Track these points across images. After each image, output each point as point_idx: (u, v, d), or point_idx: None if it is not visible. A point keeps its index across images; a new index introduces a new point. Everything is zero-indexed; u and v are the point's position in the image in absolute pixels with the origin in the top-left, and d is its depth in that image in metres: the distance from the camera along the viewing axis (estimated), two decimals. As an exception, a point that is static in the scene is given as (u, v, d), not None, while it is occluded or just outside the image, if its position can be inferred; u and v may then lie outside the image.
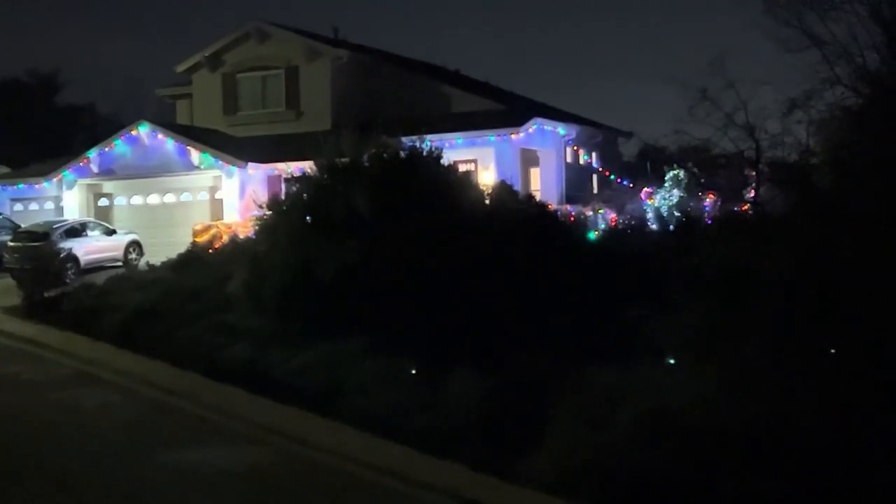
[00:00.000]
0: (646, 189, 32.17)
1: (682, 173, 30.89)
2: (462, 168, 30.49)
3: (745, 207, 27.93)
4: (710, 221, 27.30)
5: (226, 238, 31.26)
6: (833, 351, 15.87)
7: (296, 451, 16.34)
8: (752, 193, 28.47)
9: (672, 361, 17.51)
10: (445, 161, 25.52)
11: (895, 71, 23.09)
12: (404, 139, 25.38)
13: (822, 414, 14.51)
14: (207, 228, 33.43)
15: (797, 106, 25.84)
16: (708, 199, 30.13)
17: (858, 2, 24.16)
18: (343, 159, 24.44)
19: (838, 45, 24.94)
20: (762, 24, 26.75)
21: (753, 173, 28.81)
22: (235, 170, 36.81)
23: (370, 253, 21.70)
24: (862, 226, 17.06)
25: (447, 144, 30.26)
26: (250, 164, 36.96)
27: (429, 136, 26.33)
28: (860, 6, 24.21)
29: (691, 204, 29.77)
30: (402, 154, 24.60)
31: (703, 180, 30.75)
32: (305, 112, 39.65)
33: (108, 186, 40.37)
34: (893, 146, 19.07)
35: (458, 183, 25.26)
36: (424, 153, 24.86)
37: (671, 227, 27.69)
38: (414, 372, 18.71)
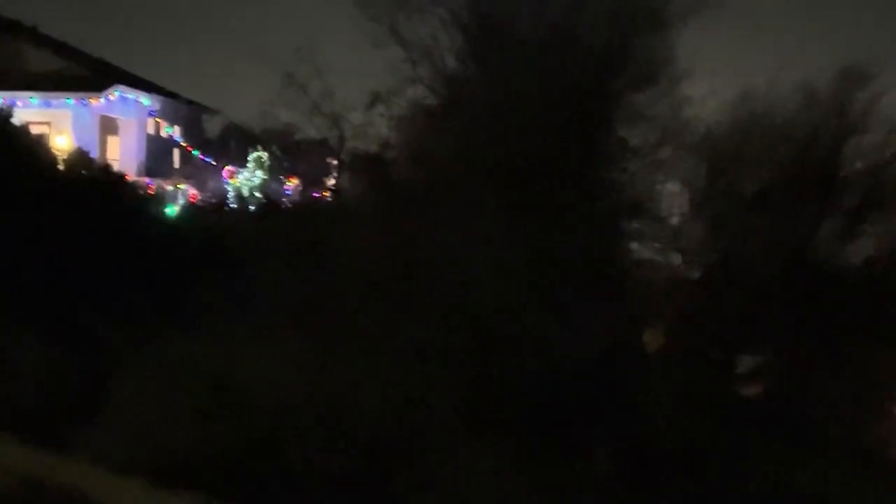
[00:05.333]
0: (229, 168, 32.12)
1: (265, 155, 31.13)
2: (36, 130, 28.77)
3: (326, 193, 28.62)
4: (291, 205, 27.74)
5: None
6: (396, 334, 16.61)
7: None
8: (333, 181, 29.21)
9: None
10: (17, 121, 24.04)
11: (471, 75, 24.51)
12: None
13: (389, 395, 15.18)
14: None
15: (380, 100, 26.76)
16: (290, 183, 30.58)
17: (441, 6, 25.35)
18: None
19: (421, 46, 26.06)
20: (352, 16, 27.34)
21: (335, 161, 29.55)
22: None
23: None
24: (438, 215, 18.05)
25: (20, 104, 28.45)
26: None
27: (-1, 93, 24.59)
28: (443, 11, 25.43)
29: (273, 186, 30.10)
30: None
31: (286, 164, 31.15)
32: None
33: None
34: (466, 145, 20.31)
35: (29, 145, 23.84)
36: (-9, 109, 23.20)
37: (252, 207, 27.84)
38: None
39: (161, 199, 27.47)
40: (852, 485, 19.25)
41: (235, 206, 29.17)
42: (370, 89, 26.74)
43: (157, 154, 38.28)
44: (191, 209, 27.96)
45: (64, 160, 25.06)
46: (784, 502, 17.39)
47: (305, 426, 14.25)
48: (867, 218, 23.26)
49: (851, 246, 23.20)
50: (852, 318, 22.23)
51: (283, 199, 29.53)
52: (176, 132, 40.47)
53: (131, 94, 36.78)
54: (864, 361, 23.06)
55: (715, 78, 21.88)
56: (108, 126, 36.72)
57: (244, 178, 30.89)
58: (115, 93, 35.19)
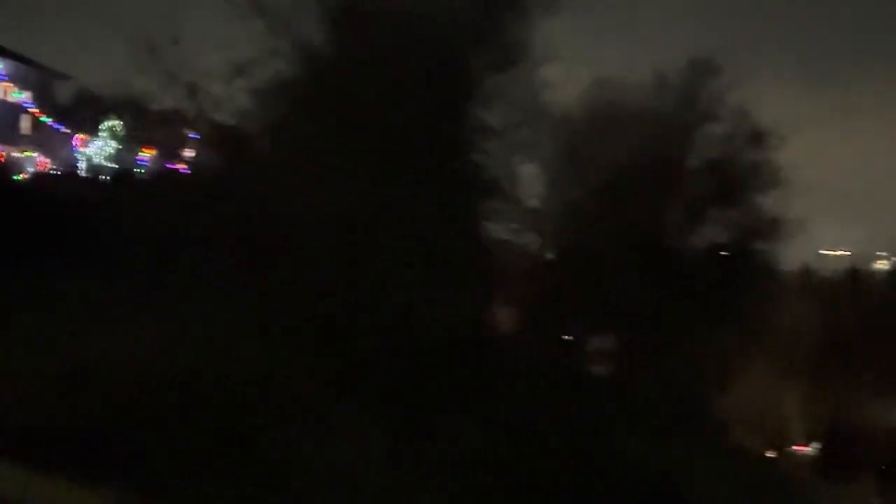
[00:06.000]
0: (81, 136, 31.27)
1: (119, 124, 30.40)
2: None
3: (182, 165, 28.13)
4: (146, 176, 27.22)
5: None
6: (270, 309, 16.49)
7: None
8: (190, 152, 28.68)
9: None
10: None
11: (330, 49, 24.33)
12: None
13: (250, 367, 15.06)
14: None
15: (241, 72, 26.33)
16: (145, 154, 29.95)
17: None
18: None
19: (282, 18, 25.72)
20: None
21: (193, 133, 28.99)
22: None
23: None
24: (296, 190, 17.99)
25: None
26: None
27: None
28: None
29: (127, 156, 29.48)
30: None
31: (141, 134, 30.46)
32: None
33: None
34: (324, 120, 20.23)
35: None
36: None
37: (104, 177, 27.23)
38: None
39: (8, 167, 26.56)
40: (697, 461, 20.05)
41: (87, 175, 28.46)
42: (231, 61, 26.32)
43: (4, 120, 36.96)
44: (40, 178, 27.14)
45: None
46: (633, 477, 17.92)
47: (164, 402, 14.00)
48: (713, 205, 24.21)
49: (698, 231, 24.14)
50: (698, 301, 23.10)
51: (138, 170, 28.92)
52: (26, 97, 39.13)
53: (-22, 56, 35.37)
54: (709, 343, 24.02)
55: (573, 64, 22.33)
56: (-47, 89, 35.29)
57: (97, 147, 30.14)
58: (-39, 55, 33.79)
